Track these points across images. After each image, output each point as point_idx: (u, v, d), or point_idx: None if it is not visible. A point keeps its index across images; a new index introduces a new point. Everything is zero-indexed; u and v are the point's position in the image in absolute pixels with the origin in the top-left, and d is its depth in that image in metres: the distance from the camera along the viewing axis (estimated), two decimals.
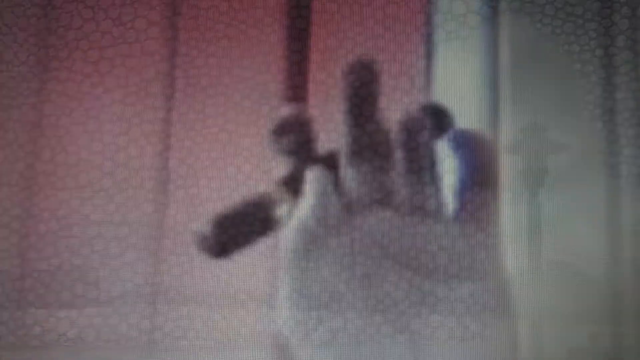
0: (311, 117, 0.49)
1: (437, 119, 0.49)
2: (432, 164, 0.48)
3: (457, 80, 0.61)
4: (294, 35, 0.64)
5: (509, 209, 0.58)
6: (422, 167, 0.48)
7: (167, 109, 0.63)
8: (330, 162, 0.48)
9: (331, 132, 0.49)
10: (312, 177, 0.48)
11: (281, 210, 0.49)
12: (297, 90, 0.63)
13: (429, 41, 0.62)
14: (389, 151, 0.48)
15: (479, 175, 0.49)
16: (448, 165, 0.49)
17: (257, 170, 0.61)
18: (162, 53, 0.65)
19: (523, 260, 0.57)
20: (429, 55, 0.62)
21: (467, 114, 0.59)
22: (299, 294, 0.47)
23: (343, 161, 0.48)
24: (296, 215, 0.48)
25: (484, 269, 0.47)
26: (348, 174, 0.48)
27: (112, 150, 0.63)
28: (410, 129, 0.48)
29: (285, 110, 0.49)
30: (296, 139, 0.48)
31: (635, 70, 0.60)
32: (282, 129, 0.48)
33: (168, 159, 0.62)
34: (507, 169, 0.59)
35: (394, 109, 0.50)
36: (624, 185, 0.58)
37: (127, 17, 0.65)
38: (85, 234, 0.61)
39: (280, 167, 0.49)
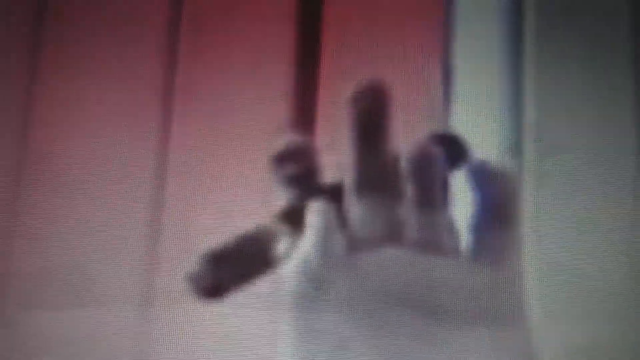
0: (316, 145, 0.45)
1: (453, 148, 0.45)
2: (447, 197, 0.44)
3: (477, 106, 0.58)
4: (303, 59, 0.61)
5: None
6: (435, 201, 0.44)
7: (165, 126, 0.60)
8: (335, 195, 0.44)
9: (337, 161, 0.45)
10: (315, 211, 0.44)
11: (281, 247, 0.45)
12: (304, 116, 0.60)
13: (447, 64, 0.59)
14: (399, 183, 0.44)
15: (499, 210, 0.45)
16: (464, 199, 0.45)
17: (255, 194, 0.58)
18: (161, 72, 0.62)
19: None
20: (447, 79, 0.58)
21: (487, 139, 0.56)
22: (301, 341, 0.43)
23: (349, 193, 0.44)
24: (297, 253, 0.44)
25: (504, 313, 0.43)
26: (354, 207, 0.44)
27: (108, 152, 0.60)
28: (422, 160, 0.44)
29: (288, 137, 0.45)
30: (299, 168, 0.45)
31: None
32: (284, 157, 0.45)
33: (166, 159, 0.59)
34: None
35: (408, 138, 0.46)
36: None
37: (126, 21, 0.63)
38: (79, 235, 0.59)
39: (281, 199, 0.45)
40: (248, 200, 0.57)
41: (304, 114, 0.60)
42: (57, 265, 0.59)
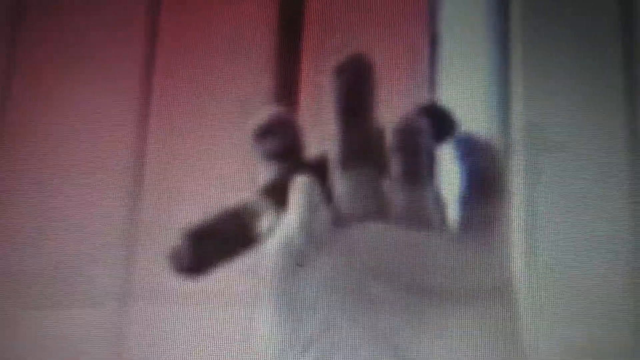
0: (299, 119, 0.44)
1: (440, 121, 0.44)
2: (433, 171, 0.43)
3: (464, 78, 0.57)
4: (286, 33, 0.60)
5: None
6: (421, 175, 0.43)
7: (145, 107, 0.59)
8: (319, 169, 0.43)
9: (321, 135, 0.44)
10: (299, 186, 0.43)
11: (263, 223, 0.44)
12: (287, 90, 0.59)
13: (432, 36, 0.58)
14: (384, 157, 0.43)
15: (485, 183, 0.44)
16: (451, 173, 0.44)
17: (237, 170, 0.57)
18: (141, 49, 0.61)
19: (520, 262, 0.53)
20: (433, 51, 0.57)
21: (474, 112, 0.55)
22: (283, 319, 0.42)
23: (333, 168, 0.43)
24: (280, 229, 0.43)
25: (490, 289, 0.43)
26: (339, 182, 0.43)
27: (87, 150, 0.59)
28: (408, 132, 0.43)
29: (271, 111, 0.44)
30: (282, 142, 0.44)
31: None
32: (267, 131, 0.44)
33: (144, 158, 0.58)
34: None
35: (393, 111, 0.45)
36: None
37: (105, 15, 0.61)
38: (59, 235, 0.58)
39: (264, 174, 0.44)
40: (228, 181, 0.56)
41: (287, 87, 0.59)
42: (33, 264, 0.58)
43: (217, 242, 0.44)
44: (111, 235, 0.57)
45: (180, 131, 0.59)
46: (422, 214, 0.43)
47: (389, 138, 0.43)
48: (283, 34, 0.61)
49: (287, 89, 0.59)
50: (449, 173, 0.44)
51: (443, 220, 0.44)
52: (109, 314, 0.57)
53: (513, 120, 0.56)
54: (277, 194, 0.43)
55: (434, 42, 0.58)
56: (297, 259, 0.42)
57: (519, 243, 0.46)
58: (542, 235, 0.53)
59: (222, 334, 0.53)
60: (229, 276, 0.50)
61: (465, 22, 0.59)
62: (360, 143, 0.43)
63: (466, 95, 0.56)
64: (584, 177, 0.54)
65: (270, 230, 0.43)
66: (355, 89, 0.43)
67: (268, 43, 0.60)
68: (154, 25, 0.61)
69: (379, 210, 0.43)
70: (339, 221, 0.43)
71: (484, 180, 0.44)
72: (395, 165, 0.43)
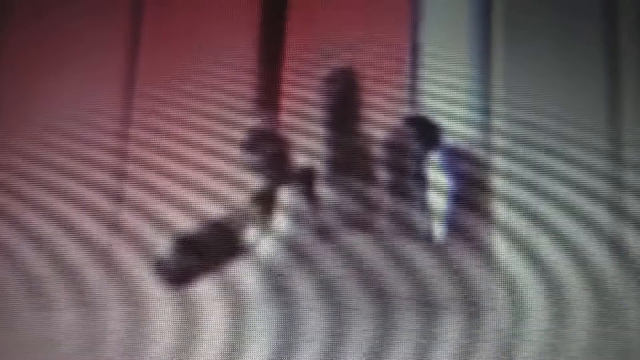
0: (287, 129, 0.44)
1: (426, 131, 0.44)
2: (420, 181, 0.43)
3: (445, 86, 0.57)
4: (268, 43, 0.60)
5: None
6: (408, 186, 0.43)
7: (127, 115, 0.59)
8: (306, 179, 0.43)
9: (307, 145, 0.44)
10: (286, 196, 0.43)
11: (250, 233, 0.44)
12: (268, 100, 0.59)
13: (414, 44, 0.58)
14: (371, 167, 0.43)
15: (471, 193, 0.44)
16: (437, 183, 0.44)
17: (219, 177, 0.57)
18: (123, 57, 0.61)
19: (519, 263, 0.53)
20: (414, 59, 0.57)
21: (455, 121, 0.55)
22: (268, 329, 0.42)
23: (320, 178, 0.43)
24: (266, 239, 0.43)
25: (476, 300, 0.43)
26: (325, 192, 0.43)
27: (68, 154, 0.59)
28: (396, 143, 0.43)
29: (259, 120, 0.44)
30: (269, 152, 0.43)
31: None
32: (254, 141, 0.44)
33: (126, 163, 0.58)
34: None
35: (377, 121, 0.45)
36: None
37: (87, 23, 0.61)
38: (40, 239, 0.57)
39: (250, 184, 0.44)
40: (213, 191, 0.56)
41: (268, 96, 0.59)
42: (14, 267, 0.58)
43: (203, 252, 0.43)
44: (92, 238, 0.57)
45: (162, 138, 0.59)
46: (408, 225, 0.43)
47: (376, 148, 0.43)
48: (265, 44, 0.61)
49: (268, 99, 0.59)
50: (434, 183, 0.44)
51: (429, 230, 0.44)
52: (91, 317, 0.56)
53: (494, 128, 0.56)
54: (263, 203, 0.43)
55: (415, 51, 0.58)
56: (278, 269, 0.42)
57: (496, 229, 0.46)
58: (520, 231, 0.53)
59: (204, 337, 0.53)
60: (212, 280, 0.49)
61: (447, 31, 0.59)
62: (348, 153, 0.43)
63: (447, 104, 0.57)
64: (569, 180, 0.55)
65: (257, 240, 0.43)
66: (344, 100, 0.43)
67: (250, 53, 0.60)
68: (136, 34, 0.61)
69: (365, 221, 0.43)
70: (325, 231, 0.43)
71: (469, 190, 0.44)
72: (381, 176, 0.43)
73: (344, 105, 0.43)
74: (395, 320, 0.42)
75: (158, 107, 0.60)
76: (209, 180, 0.57)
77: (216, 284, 0.46)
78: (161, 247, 0.43)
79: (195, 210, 0.55)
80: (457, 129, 0.48)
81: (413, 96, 0.56)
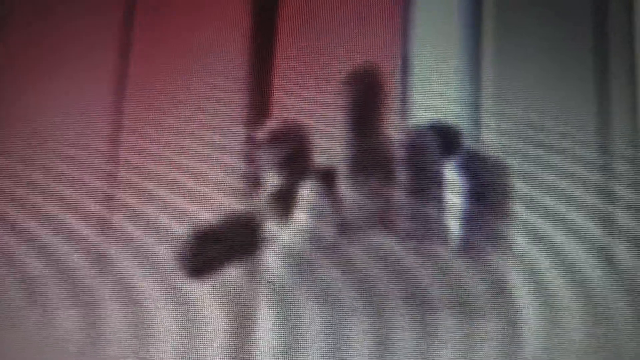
0: (306, 127, 0.44)
1: (446, 137, 0.45)
2: (438, 184, 0.44)
3: (435, 98, 0.58)
4: (258, 50, 0.60)
5: None
6: (427, 188, 0.44)
7: (118, 112, 0.58)
8: (326, 178, 0.44)
9: (328, 144, 0.44)
10: (306, 193, 0.43)
11: (268, 229, 0.44)
12: (259, 105, 0.59)
13: (405, 49, 0.59)
14: (391, 169, 0.44)
15: (489, 200, 0.45)
16: (456, 188, 0.45)
17: (210, 178, 0.57)
18: (114, 52, 0.60)
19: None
20: (405, 64, 0.58)
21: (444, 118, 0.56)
22: (284, 326, 0.42)
23: (341, 177, 0.44)
24: (285, 236, 0.43)
25: (491, 303, 0.43)
26: (346, 191, 0.43)
27: (57, 152, 0.58)
28: (416, 147, 0.44)
29: (279, 119, 0.45)
30: (290, 149, 0.44)
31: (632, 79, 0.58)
32: (276, 138, 0.44)
33: (118, 163, 0.57)
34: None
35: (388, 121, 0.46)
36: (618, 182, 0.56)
37: (78, 29, 0.60)
38: (27, 237, 0.56)
39: (271, 180, 0.44)
40: (205, 192, 0.56)
41: (259, 102, 0.59)
42: (4, 266, 0.56)
43: (222, 246, 0.43)
44: (83, 238, 0.56)
45: (154, 138, 0.58)
46: (425, 227, 0.44)
47: (397, 150, 0.44)
48: (256, 46, 0.61)
49: (258, 104, 0.59)
50: (453, 188, 0.45)
51: (446, 233, 0.44)
52: (82, 318, 0.55)
53: (484, 131, 0.57)
54: (284, 200, 0.43)
55: (405, 63, 0.59)
56: (301, 265, 0.42)
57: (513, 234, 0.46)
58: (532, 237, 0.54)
59: (198, 338, 0.53)
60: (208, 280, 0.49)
61: (436, 42, 0.60)
62: (369, 154, 0.44)
63: (438, 108, 0.57)
64: (559, 182, 0.56)
65: (275, 236, 0.43)
66: (367, 99, 0.44)
67: (241, 56, 0.60)
68: (127, 38, 0.60)
69: (383, 221, 0.43)
70: (344, 230, 0.43)
71: (487, 195, 0.45)
72: (401, 178, 0.44)
73: (366, 105, 0.44)
74: (411, 321, 0.42)
75: (149, 109, 0.59)
76: (201, 182, 0.56)
77: (211, 285, 0.46)
78: (179, 240, 0.43)
79: (189, 209, 0.55)
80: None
81: (404, 101, 0.57)
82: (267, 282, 0.43)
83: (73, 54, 0.59)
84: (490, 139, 0.56)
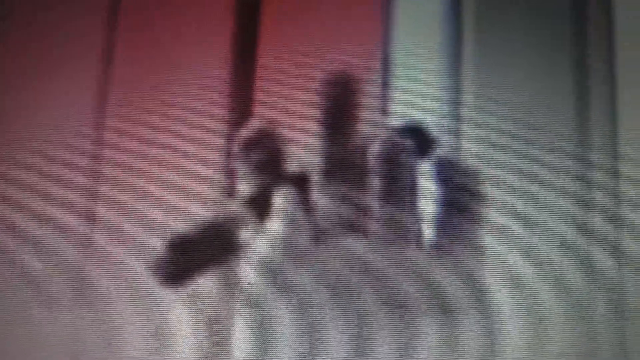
0: (283, 133, 0.45)
1: (420, 139, 0.45)
2: (412, 188, 0.44)
3: (415, 98, 0.58)
4: (240, 56, 0.60)
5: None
6: (400, 192, 0.44)
7: (101, 113, 0.59)
8: (300, 183, 0.44)
9: (304, 149, 0.45)
10: (280, 199, 0.44)
11: (244, 235, 0.44)
12: (240, 110, 0.59)
13: (386, 53, 0.59)
14: (364, 172, 0.44)
15: (461, 203, 0.45)
16: (429, 191, 0.45)
17: (190, 180, 0.57)
18: (97, 54, 0.60)
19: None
20: (386, 68, 0.58)
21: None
22: (261, 329, 0.43)
23: (315, 182, 0.44)
24: (261, 241, 0.43)
25: (464, 304, 0.44)
26: (319, 196, 0.44)
27: (41, 153, 0.58)
28: (390, 150, 0.44)
29: (254, 124, 0.45)
30: (265, 155, 0.44)
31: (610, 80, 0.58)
32: (251, 144, 0.44)
33: (101, 165, 0.57)
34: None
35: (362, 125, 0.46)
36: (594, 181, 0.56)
37: (61, 35, 0.61)
38: (12, 237, 0.57)
39: (246, 186, 0.44)
40: (188, 190, 0.56)
41: (240, 107, 0.59)
42: None
43: (197, 253, 0.44)
44: (68, 238, 0.56)
45: (136, 139, 0.58)
46: (399, 230, 0.44)
47: (370, 154, 0.44)
48: (239, 51, 0.61)
49: (240, 109, 0.60)
50: (426, 191, 0.45)
51: (419, 236, 0.45)
52: (67, 318, 0.56)
53: (464, 141, 0.57)
54: (258, 206, 0.44)
55: (386, 58, 0.59)
56: (277, 270, 0.43)
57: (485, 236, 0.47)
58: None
59: (183, 338, 0.53)
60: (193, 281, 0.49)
61: (417, 44, 0.60)
62: (342, 158, 0.44)
63: (418, 116, 0.58)
64: (536, 181, 0.56)
65: (251, 241, 0.44)
66: (341, 105, 0.44)
67: (224, 61, 0.61)
68: (110, 44, 0.61)
69: (357, 225, 0.44)
70: (318, 234, 0.43)
71: (460, 199, 0.45)
72: (375, 181, 0.44)
73: (340, 109, 0.44)
74: (386, 323, 0.42)
75: (132, 112, 0.59)
76: (183, 181, 0.57)
77: (200, 283, 0.46)
78: (156, 247, 0.43)
79: (171, 210, 0.56)
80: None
81: (385, 102, 0.57)
82: (249, 283, 0.43)
83: (56, 58, 0.59)
84: (469, 139, 0.57)
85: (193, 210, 0.54)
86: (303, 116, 0.47)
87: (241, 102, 0.59)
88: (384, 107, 0.58)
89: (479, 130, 0.56)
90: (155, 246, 0.43)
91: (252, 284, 0.43)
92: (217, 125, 0.58)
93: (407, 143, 0.44)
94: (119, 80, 0.59)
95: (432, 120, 0.57)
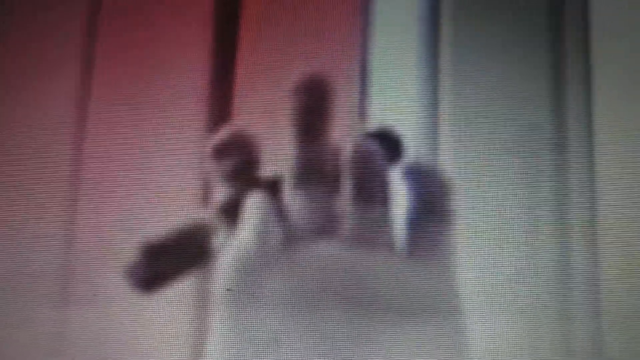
0: (255, 137, 0.45)
1: (389, 144, 0.45)
2: (383, 192, 0.44)
3: (394, 103, 0.58)
4: (220, 55, 0.61)
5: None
6: (372, 196, 0.44)
7: (81, 116, 0.59)
8: (272, 187, 0.44)
9: (276, 154, 0.45)
10: (252, 205, 0.44)
11: (216, 240, 0.44)
12: (221, 109, 0.59)
13: (364, 53, 0.59)
14: (336, 177, 0.44)
15: (432, 207, 0.46)
16: (400, 196, 0.45)
17: (169, 183, 0.57)
18: (76, 61, 0.60)
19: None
20: (364, 69, 0.59)
21: (404, 127, 0.57)
22: (233, 334, 0.43)
23: (287, 187, 0.44)
24: (232, 247, 0.43)
25: (436, 307, 0.44)
26: (292, 200, 0.44)
27: (22, 155, 0.58)
28: (361, 155, 0.44)
29: (227, 129, 0.45)
30: (237, 161, 0.44)
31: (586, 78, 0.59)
32: (223, 149, 0.44)
33: (81, 165, 0.57)
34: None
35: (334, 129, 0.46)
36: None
37: (41, 32, 0.61)
38: None
39: (218, 191, 0.44)
40: (169, 193, 0.56)
41: (220, 107, 0.60)
42: None
43: (171, 258, 0.44)
44: (49, 239, 0.56)
45: (117, 141, 0.58)
46: (371, 234, 0.44)
47: (342, 159, 0.44)
48: (218, 56, 0.61)
49: (218, 114, 0.60)
50: (398, 196, 0.45)
51: (391, 240, 0.45)
52: (49, 318, 0.56)
53: (441, 145, 0.58)
54: (231, 211, 0.44)
55: (364, 62, 0.60)
56: (249, 274, 0.43)
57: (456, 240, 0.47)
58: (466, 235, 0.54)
59: (165, 338, 0.53)
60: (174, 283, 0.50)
61: (395, 50, 0.60)
62: (314, 163, 0.44)
63: (395, 119, 0.58)
64: (514, 182, 0.56)
65: (223, 247, 0.44)
66: (313, 109, 0.44)
67: (203, 65, 0.61)
68: (90, 44, 0.61)
69: (329, 229, 0.44)
70: (291, 239, 0.44)
71: (430, 204, 0.46)
72: (347, 186, 0.44)
73: (312, 114, 0.44)
74: (359, 326, 0.43)
75: (113, 114, 0.59)
76: (164, 183, 0.57)
77: (177, 287, 0.46)
78: (130, 252, 0.44)
79: (153, 212, 0.56)
80: (407, 137, 0.49)
81: (362, 107, 0.57)
82: (227, 290, 0.43)
83: (36, 65, 0.59)
84: (447, 143, 0.57)
85: (169, 214, 0.54)
86: (280, 120, 0.48)
87: (219, 107, 0.59)
88: (362, 111, 0.58)
89: (456, 134, 0.57)
90: (132, 250, 0.44)
91: (230, 290, 0.43)
92: (194, 130, 0.58)
93: (379, 148, 0.44)
94: (98, 84, 0.59)
95: (410, 124, 0.57)
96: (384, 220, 0.45)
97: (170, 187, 0.55)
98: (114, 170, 0.56)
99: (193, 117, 0.58)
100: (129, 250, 0.44)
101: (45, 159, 0.57)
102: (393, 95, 0.58)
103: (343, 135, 0.45)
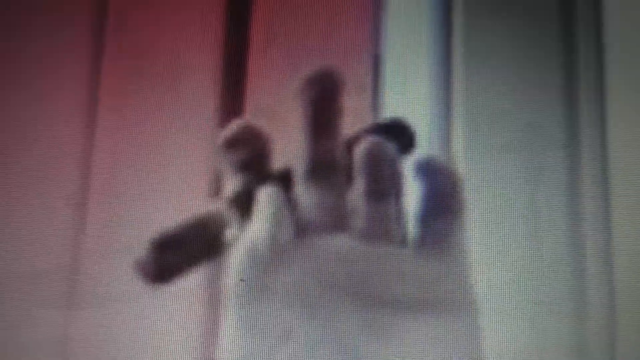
0: (267, 130, 0.44)
1: (400, 136, 0.45)
2: (395, 187, 0.44)
3: (406, 98, 0.58)
4: (231, 54, 0.61)
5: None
6: (384, 191, 0.44)
7: (91, 116, 0.59)
8: (284, 181, 0.44)
9: (286, 147, 0.45)
10: (265, 197, 0.44)
11: (228, 233, 0.44)
12: (231, 108, 0.59)
13: (377, 50, 0.59)
14: (348, 171, 0.44)
15: (443, 202, 0.45)
16: (412, 191, 0.45)
17: (180, 180, 0.57)
18: (86, 59, 0.60)
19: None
20: (376, 65, 0.59)
21: (417, 123, 0.56)
22: (246, 328, 0.43)
23: (299, 180, 0.44)
24: (245, 239, 0.43)
25: (449, 303, 0.44)
26: (303, 194, 0.44)
27: (33, 155, 0.58)
28: (373, 149, 0.44)
29: (238, 121, 0.45)
30: (249, 153, 0.44)
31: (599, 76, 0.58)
32: (234, 142, 0.44)
33: (90, 167, 0.57)
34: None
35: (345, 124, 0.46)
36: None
37: (51, 36, 0.61)
38: (2, 238, 0.57)
39: (230, 184, 0.44)
40: (178, 191, 0.56)
41: (232, 104, 0.60)
42: None
43: (182, 251, 0.44)
44: (58, 239, 0.57)
45: (126, 140, 0.59)
46: (383, 229, 0.44)
47: (354, 152, 0.44)
48: (229, 54, 0.61)
49: (231, 107, 0.60)
50: (409, 190, 0.45)
51: (403, 235, 0.45)
52: (56, 318, 0.56)
53: (454, 141, 0.58)
54: (242, 204, 0.44)
55: (377, 59, 0.59)
56: (261, 269, 0.43)
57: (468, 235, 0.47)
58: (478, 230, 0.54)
59: (172, 337, 0.53)
60: (181, 281, 0.49)
61: (407, 44, 0.60)
62: (326, 156, 0.44)
63: (408, 115, 0.58)
64: (527, 182, 0.56)
65: (235, 240, 0.44)
66: (325, 102, 0.44)
67: (213, 63, 0.61)
68: (99, 45, 0.61)
69: (341, 223, 0.44)
70: (303, 232, 0.43)
71: (442, 199, 0.45)
72: (359, 180, 0.44)
73: (324, 107, 0.44)
74: (371, 322, 0.42)
75: (122, 112, 0.60)
76: (173, 181, 0.57)
77: (184, 285, 0.46)
78: (141, 246, 0.43)
79: (160, 211, 0.56)
80: (419, 133, 0.49)
81: (375, 103, 0.57)
82: (241, 280, 0.43)
83: (45, 63, 0.59)
84: (459, 137, 0.57)
85: (180, 208, 0.54)
86: (291, 113, 0.47)
87: (231, 102, 0.59)
88: (375, 106, 0.58)
89: (469, 129, 0.56)
90: (142, 244, 0.43)
91: (244, 280, 0.43)
92: (205, 125, 0.58)
93: (391, 141, 0.44)
94: (108, 77, 0.59)
95: (422, 118, 0.57)
96: (396, 215, 0.44)
97: (179, 180, 0.55)
98: (123, 167, 0.56)
99: (204, 111, 0.58)
100: (139, 246, 0.44)
101: (55, 159, 0.57)
102: (405, 90, 0.58)
103: (355, 129, 0.45)
